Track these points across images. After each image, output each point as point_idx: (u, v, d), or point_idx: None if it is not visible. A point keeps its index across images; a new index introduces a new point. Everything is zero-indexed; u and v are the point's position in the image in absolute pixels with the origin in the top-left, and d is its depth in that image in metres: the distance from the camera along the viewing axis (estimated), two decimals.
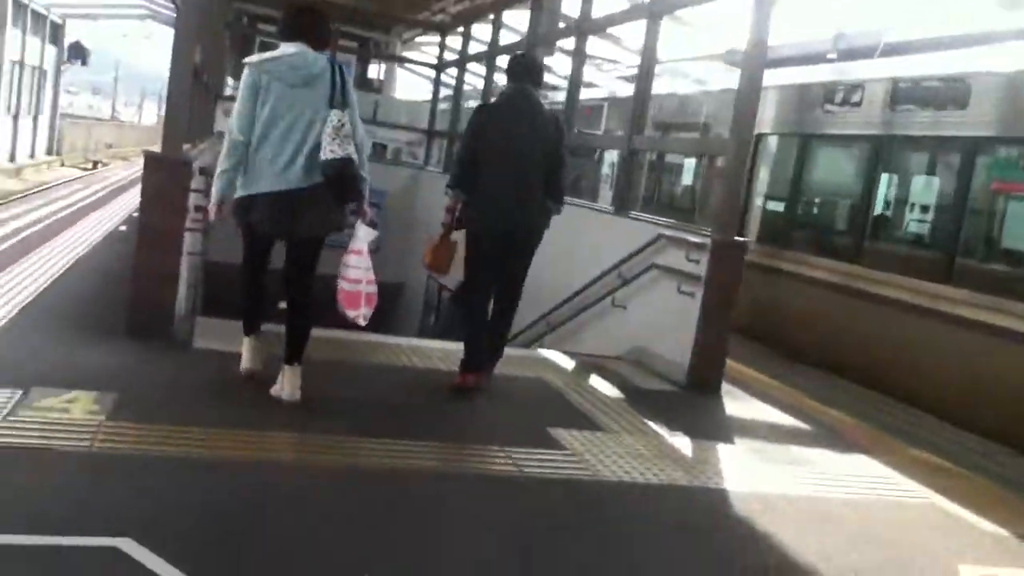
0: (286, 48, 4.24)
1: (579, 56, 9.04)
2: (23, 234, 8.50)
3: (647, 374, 6.28)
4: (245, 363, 4.62)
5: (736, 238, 6.16)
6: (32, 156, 31.09)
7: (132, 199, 13.93)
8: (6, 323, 5.01)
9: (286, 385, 4.33)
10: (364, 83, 21.32)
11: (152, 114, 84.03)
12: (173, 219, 5.03)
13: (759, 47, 5.87)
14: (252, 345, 4.61)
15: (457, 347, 5.39)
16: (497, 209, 4.89)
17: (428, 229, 13.03)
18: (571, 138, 9.08)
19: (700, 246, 5.99)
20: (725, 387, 6.05)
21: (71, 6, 30.89)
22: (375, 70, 24.20)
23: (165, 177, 4.98)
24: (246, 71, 4.22)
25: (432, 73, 25.24)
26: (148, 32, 39.76)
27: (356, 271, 4.31)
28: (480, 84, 17.90)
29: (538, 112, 5.03)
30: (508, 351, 5.64)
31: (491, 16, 12.27)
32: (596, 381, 5.93)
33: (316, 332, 4.54)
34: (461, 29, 14.02)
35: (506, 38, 12.41)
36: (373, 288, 4.35)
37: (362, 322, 4.38)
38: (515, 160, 4.87)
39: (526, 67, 5.12)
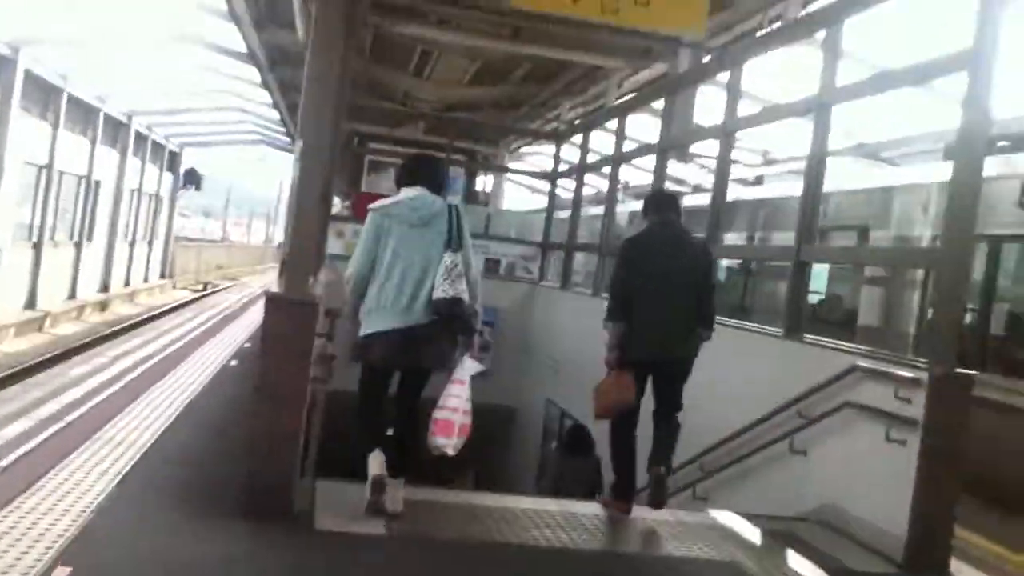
0: (406, 192, 4.66)
1: (724, 159, 8.24)
2: (129, 376, 8.10)
3: (849, 545, 5.15)
4: (374, 470, 4.57)
5: (960, 370, 5.08)
6: (146, 280, 32.28)
7: (241, 329, 13.70)
8: (104, 500, 4.38)
9: (391, 498, 4.52)
10: (471, 196, 21.21)
11: (260, 233, 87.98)
12: (298, 370, 4.38)
13: (979, 126, 4.91)
14: (379, 459, 4.59)
15: (587, 508, 5.30)
16: (651, 339, 5.03)
17: (544, 348, 12.29)
18: (718, 251, 8.37)
19: (913, 381, 4.95)
20: (954, 565, 4.86)
21: (188, 135, 32.46)
22: (480, 182, 24.25)
23: (288, 321, 4.35)
24: (370, 216, 4.60)
25: (540, 183, 25.55)
26: (261, 155, 41.42)
27: (455, 400, 4.53)
28: (595, 192, 17.55)
29: (686, 241, 5.32)
30: (675, 514, 5.09)
31: (613, 122, 11.72)
32: (796, 561, 4.83)
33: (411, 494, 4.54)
34: (578, 138, 13.56)
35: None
36: (468, 419, 4.52)
37: (451, 452, 4.51)
38: (667, 290, 5.06)
39: (667, 199, 5.51)
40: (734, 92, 7.99)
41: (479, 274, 4.81)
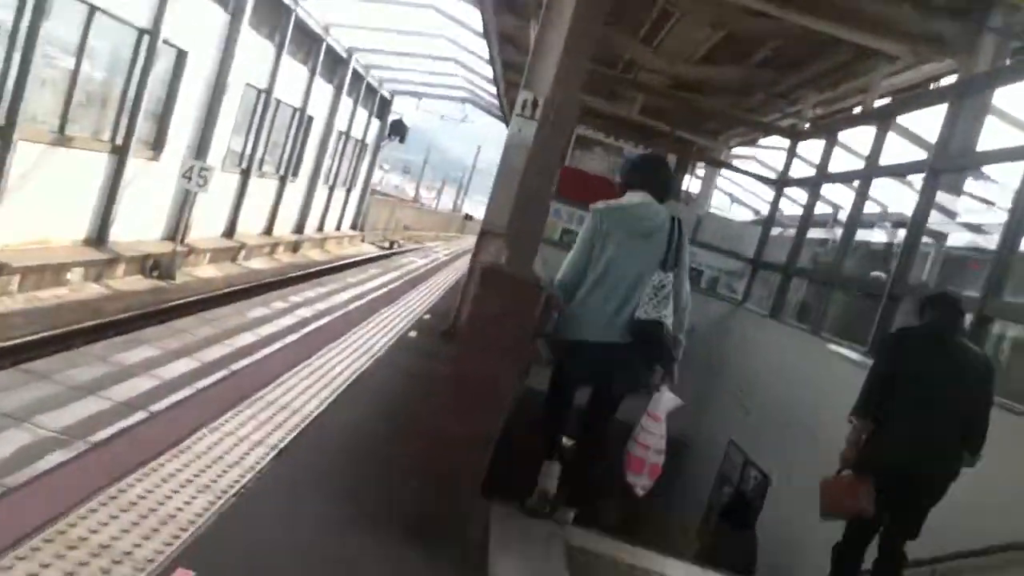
0: (631, 197, 4.34)
1: None
2: (305, 329, 7.48)
3: None
4: (544, 483, 4.30)
5: None
6: (339, 228, 32.90)
7: (423, 296, 13.08)
8: (251, 480, 3.59)
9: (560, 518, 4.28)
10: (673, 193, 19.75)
11: (449, 200, 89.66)
12: (510, 364, 3.43)
13: None
14: (554, 470, 4.33)
15: None
16: (902, 449, 4.52)
17: (737, 381, 10.78)
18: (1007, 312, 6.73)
19: None
20: None
21: (400, 82, 32.52)
22: (686, 181, 22.73)
23: (507, 303, 3.38)
24: (590, 216, 4.31)
25: (757, 189, 23.50)
26: (463, 114, 41.39)
27: (650, 437, 4.25)
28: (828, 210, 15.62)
29: (968, 350, 4.73)
30: None
31: (873, 125, 9.95)
32: None
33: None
34: (818, 142, 11.88)
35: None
36: (660, 459, 4.27)
37: (639, 492, 4.27)
38: (932, 399, 4.56)
39: (952, 300, 4.91)
40: None
41: (690, 299, 4.44)
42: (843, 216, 16.17)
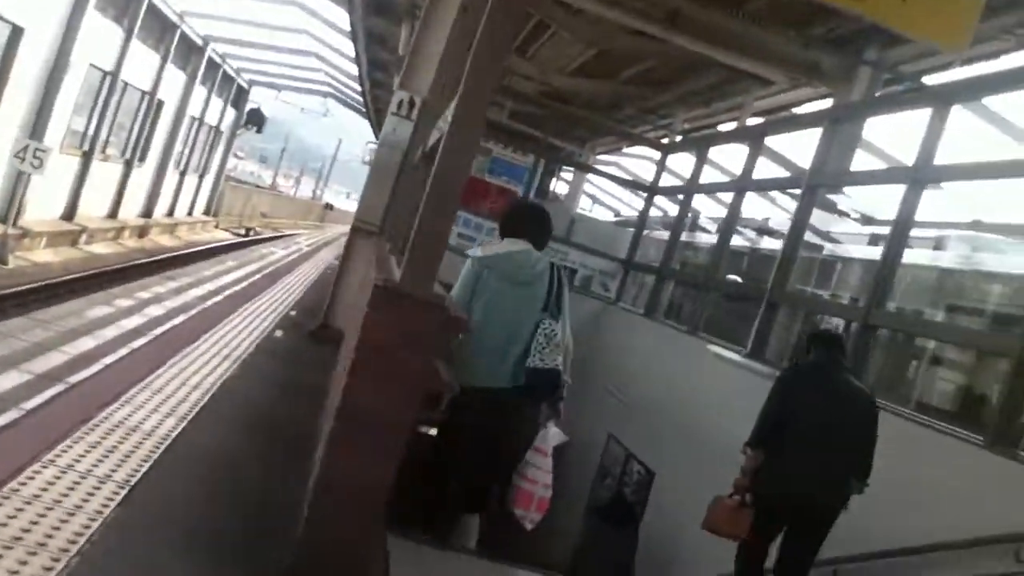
0: (512, 245, 4.30)
1: (909, 210, 6.60)
2: (155, 331, 6.71)
3: None
4: (462, 541, 4.34)
5: None
6: (190, 214, 31.26)
7: (288, 290, 12.35)
8: (96, 530, 3.01)
9: (464, 533, 4.34)
10: (541, 193, 19.77)
11: (307, 189, 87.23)
12: (408, 397, 3.00)
13: None
14: (471, 525, 4.38)
15: None
16: (795, 478, 4.68)
17: (614, 378, 10.82)
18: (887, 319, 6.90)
19: None
20: None
21: (259, 73, 31.42)
22: (553, 183, 22.81)
23: (407, 328, 2.94)
24: (468, 263, 4.27)
25: (620, 193, 23.86)
26: (325, 108, 40.22)
27: (536, 472, 4.22)
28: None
29: (853, 387, 4.90)
30: None
31: (745, 142, 10.15)
32: None
33: None
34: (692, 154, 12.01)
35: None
36: (548, 493, 4.25)
37: (528, 526, 4.21)
38: (823, 433, 4.71)
39: (836, 338, 5.18)
40: (934, 132, 6.46)
41: (571, 343, 4.44)
42: (709, 223, 16.54)
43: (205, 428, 4.52)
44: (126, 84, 20.26)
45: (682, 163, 13.62)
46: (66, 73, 16.19)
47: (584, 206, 25.36)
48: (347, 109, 38.78)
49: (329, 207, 67.02)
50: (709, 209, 15.96)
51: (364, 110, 36.19)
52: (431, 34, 8.38)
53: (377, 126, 40.80)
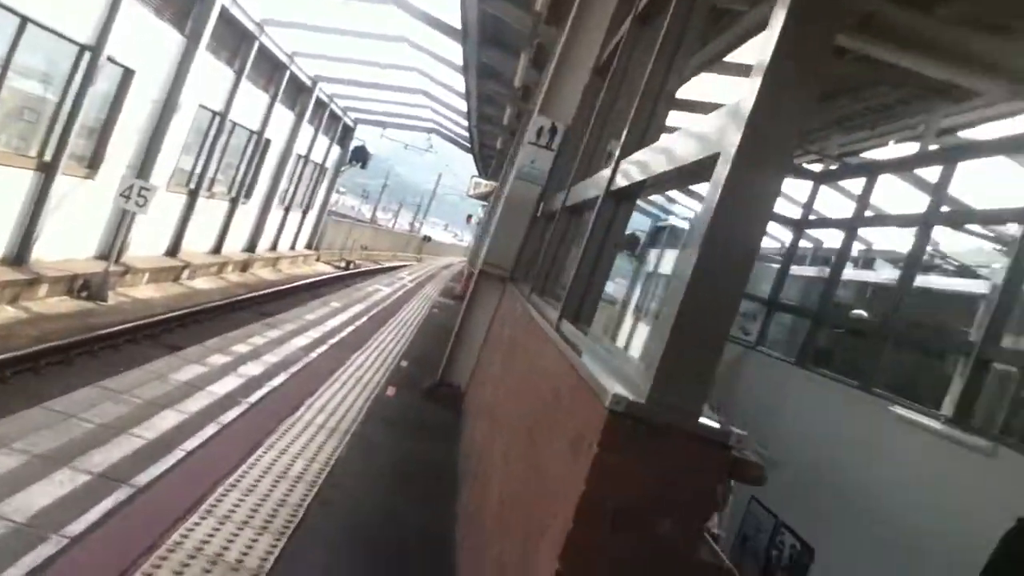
0: None
1: None
2: (253, 396, 5.73)
3: None
4: None
5: None
6: (293, 248, 31.08)
7: (398, 334, 11.35)
8: None
9: None
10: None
11: (405, 222, 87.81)
12: None
13: None
14: None
15: None
16: None
17: (749, 427, 9.45)
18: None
19: None
20: None
21: (365, 111, 31.16)
22: None
23: (669, 482, 1.75)
24: None
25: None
26: (429, 144, 39.75)
27: None
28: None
29: None
30: None
31: (936, 165, 8.48)
32: None
33: None
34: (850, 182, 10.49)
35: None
36: None
37: None
38: None
39: None
40: None
41: None
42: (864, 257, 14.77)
43: (302, 556, 3.40)
44: (235, 124, 20.01)
45: (827, 193, 12.10)
46: (175, 114, 15.93)
47: None
48: (450, 144, 38.28)
49: (427, 239, 66.89)
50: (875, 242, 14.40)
51: (468, 145, 35.58)
52: (579, 50, 7.31)
53: (481, 160, 40.06)
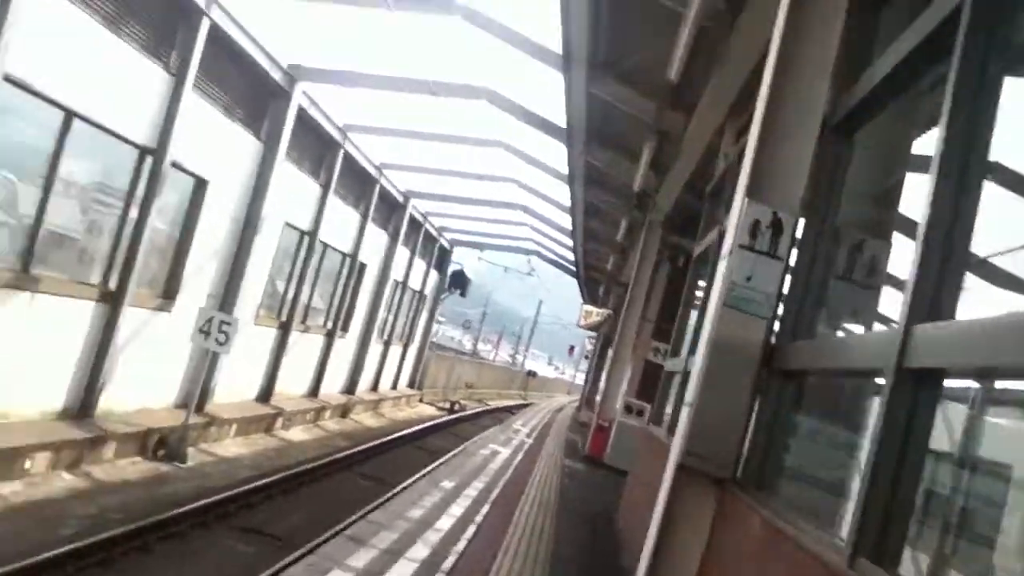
0: None
1: None
2: None
3: None
4: None
5: None
6: (394, 387, 29.18)
7: (533, 540, 8.77)
8: None
9: None
10: None
11: (505, 353, 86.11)
12: None
13: None
14: None
15: None
16: None
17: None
18: None
19: None
20: None
21: (461, 231, 29.71)
22: None
23: None
24: None
25: None
26: (530, 268, 38.07)
27: None
28: None
29: None
30: None
31: None
32: None
33: None
34: None
35: None
36: None
37: None
38: None
39: None
40: None
41: None
42: None
43: None
44: (325, 245, 18.45)
45: None
46: (257, 234, 14.28)
47: None
48: (551, 267, 36.47)
49: (532, 375, 64.48)
50: None
51: (573, 268, 33.67)
52: (801, 83, 4.92)
53: (585, 284, 37.92)
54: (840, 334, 4.99)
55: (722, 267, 5.04)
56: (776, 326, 4.90)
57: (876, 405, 3.32)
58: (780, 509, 3.86)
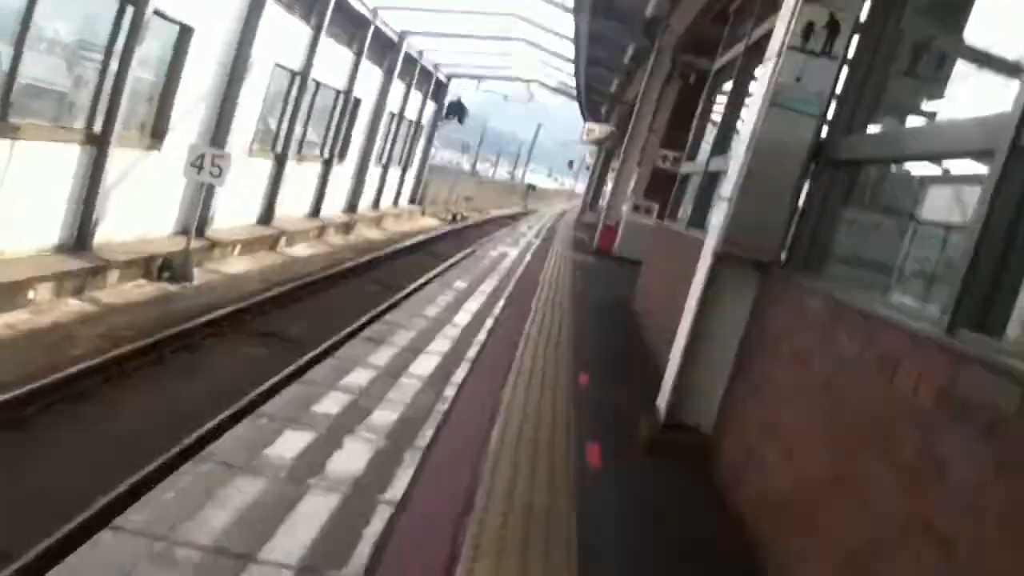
0: None
1: None
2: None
3: None
4: None
5: None
6: (395, 204, 28.90)
7: (550, 330, 8.50)
8: None
9: None
10: None
11: (503, 172, 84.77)
12: None
13: None
14: None
15: None
16: None
17: None
18: None
19: None
20: None
21: (458, 65, 28.30)
22: None
23: None
24: None
25: None
26: (530, 95, 36.21)
27: None
28: None
29: None
30: None
31: None
32: None
33: None
34: None
35: None
36: None
37: None
38: None
39: None
40: None
41: None
42: None
43: None
44: (318, 83, 17.60)
45: None
46: (246, 76, 13.53)
47: None
48: (550, 92, 34.63)
49: (532, 188, 63.42)
50: None
51: (575, 92, 32.06)
52: None
53: (587, 108, 36.18)
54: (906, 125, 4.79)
55: (767, 69, 4.82)
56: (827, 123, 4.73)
57: (940, 191, 3.30)
58: (838, 288, 3.79)
